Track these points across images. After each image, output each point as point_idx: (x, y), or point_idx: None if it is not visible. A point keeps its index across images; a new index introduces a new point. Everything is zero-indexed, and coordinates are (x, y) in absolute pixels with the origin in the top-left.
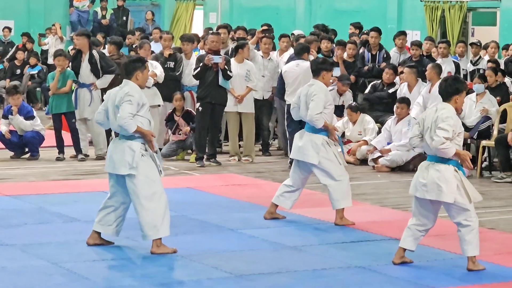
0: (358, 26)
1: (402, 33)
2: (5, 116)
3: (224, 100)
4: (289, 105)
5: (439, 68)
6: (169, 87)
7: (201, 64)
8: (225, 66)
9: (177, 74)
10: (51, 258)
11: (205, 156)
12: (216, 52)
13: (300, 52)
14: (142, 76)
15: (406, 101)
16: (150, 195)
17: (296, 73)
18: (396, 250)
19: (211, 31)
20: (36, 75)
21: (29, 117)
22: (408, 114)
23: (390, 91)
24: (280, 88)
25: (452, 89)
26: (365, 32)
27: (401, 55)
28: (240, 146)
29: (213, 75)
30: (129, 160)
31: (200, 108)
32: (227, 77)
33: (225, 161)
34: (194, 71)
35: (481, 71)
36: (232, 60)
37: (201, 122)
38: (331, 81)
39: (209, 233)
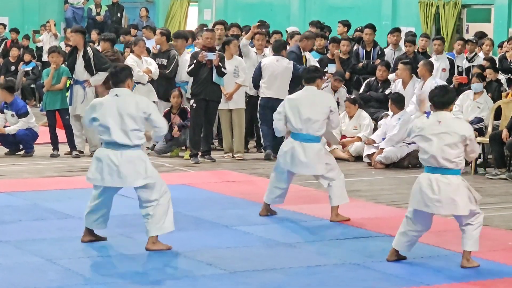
0: (346, 24)
1: (397, 30)
2: (0, 111)
3: (218, 97)
4: (263, 98)
5: (430, 65)
6: (162, 84)
7: (195, 61)
8: (219, 63)
9: (167, 72)
10: (46, 254)
11: (199, 153)
12: (211, 49)
13: (279, 49)
14: (131, 82)
15: (399, 98)
16: (162, 194)
17: (276, 69)
18: (391, 247)
19: (205, 28)
20: (30, 71)
21: (22, 113)
22: (401, 110)
23: (386, 92)
24: (256, 81)
25: (451, 100)
26: (359, 29)
27: (395, 52)
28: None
29: (207, 72)
30: (141, 170)
31: (194, 105)
32: (221, 74)
33: (219, 158)
34: (188, 68)
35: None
36: None
37: (195, 118)
38: (325, 77)
39: (203, 230)
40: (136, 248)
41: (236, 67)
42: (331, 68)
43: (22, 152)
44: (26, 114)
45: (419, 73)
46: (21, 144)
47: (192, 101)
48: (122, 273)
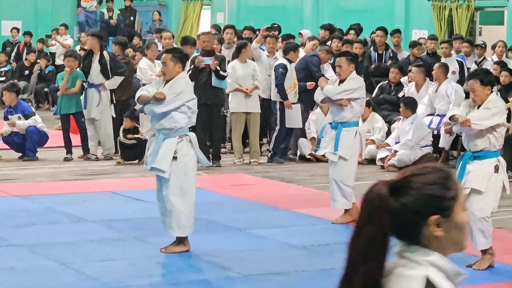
0: (358, 28)
1: (397, 31)
2: (5, 118)
3: (220, 100)
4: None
5: (445, 68)
6: None
7: (192, 66)
8: (217, 67)
9: None
10: (59, 258)
11: (210, 156)
12: (209, 52)
13: (286, 51)
14: None
15: (411, 102)
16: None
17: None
18: None
19: (209, 30)
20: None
21: (28, 113)
22: (414, 113)
23: (400, 95)
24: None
25: None
26: (375, 32)
27: (398, 53)
28: (246, 145)
29: (206, 76)
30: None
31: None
32: (221, 77)
33: (231, 161)
34: (187, 73)
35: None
36: (236, 61)
37: (199, 124)
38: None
39: (217, 233)
40: (150, 252)
41: (253, 70)
42: None
43: (29, 156)
44: (33, 113)
45: (434, 76)
46: (26, 143)
47: None
48: (136, 276)
